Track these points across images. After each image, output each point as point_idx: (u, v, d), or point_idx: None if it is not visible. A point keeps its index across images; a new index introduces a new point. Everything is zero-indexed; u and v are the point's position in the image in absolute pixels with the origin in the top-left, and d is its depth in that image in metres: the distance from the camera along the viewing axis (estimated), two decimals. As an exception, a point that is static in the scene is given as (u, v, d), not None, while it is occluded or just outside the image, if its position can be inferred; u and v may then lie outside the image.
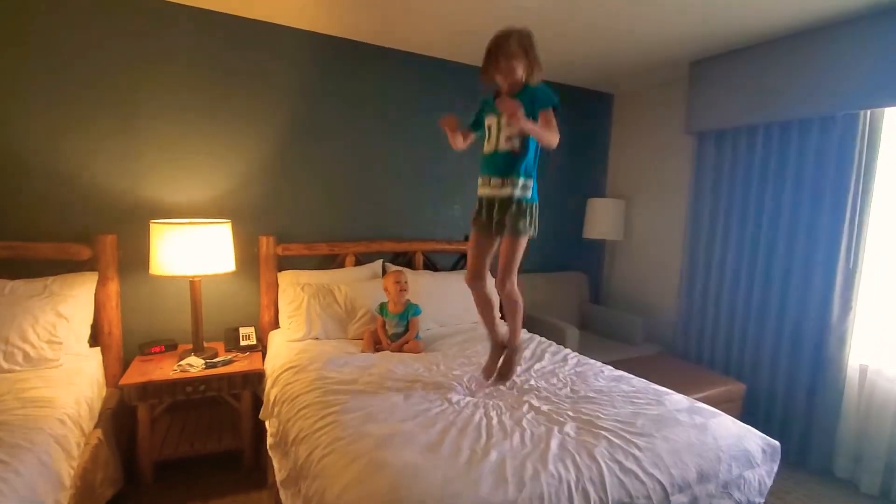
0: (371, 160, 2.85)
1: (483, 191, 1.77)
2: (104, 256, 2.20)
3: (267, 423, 1.95)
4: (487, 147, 1.75)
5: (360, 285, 2.58)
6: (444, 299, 2.72)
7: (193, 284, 2.24)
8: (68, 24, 2.13)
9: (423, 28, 2.51)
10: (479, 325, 2.55)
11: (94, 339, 2.19)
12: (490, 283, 1.87)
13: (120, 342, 2.27)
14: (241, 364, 2.23)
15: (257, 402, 2.16)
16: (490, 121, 1.73)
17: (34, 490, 1.29)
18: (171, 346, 2.34)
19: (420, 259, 2.98)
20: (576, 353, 2.29)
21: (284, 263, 2.63)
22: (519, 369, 1.98)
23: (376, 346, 2.30)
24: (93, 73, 2.19)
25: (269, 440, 1.84)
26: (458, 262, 3.17)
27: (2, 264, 2.05)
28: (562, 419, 1.59)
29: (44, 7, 2.08)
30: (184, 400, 2.11)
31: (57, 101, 2.14)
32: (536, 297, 3.33)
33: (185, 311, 2.35)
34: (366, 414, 1.57)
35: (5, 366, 1.77)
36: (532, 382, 1.92)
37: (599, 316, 3.45)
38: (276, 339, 2.40)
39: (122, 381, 2.00)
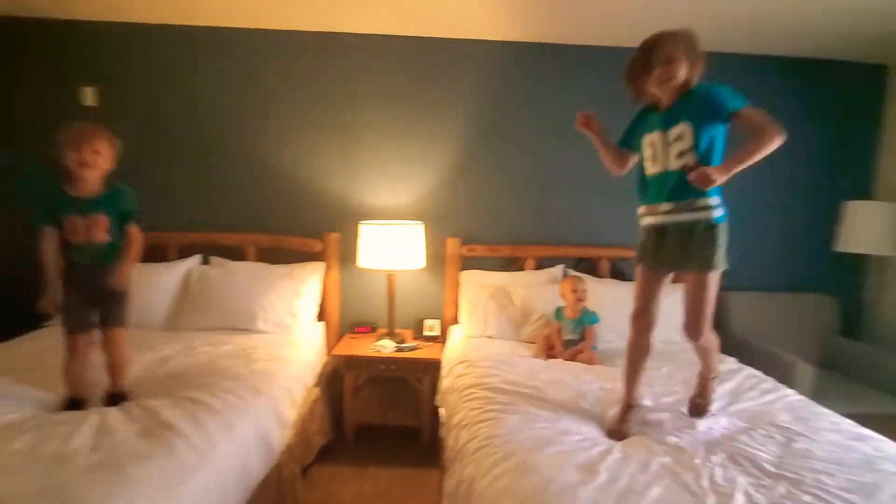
0: (556, 161, 2.79)
1: (651, 219, 1.54)
2: (329, 250, 2.70)
3: (440, 409, 2.10)
4: (653, 167, 1.51)
5: (537, 289, 2.55)
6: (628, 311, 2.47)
7: (390, 278, 2.57)
8: (299, 61, 2.70)
9: (612, 19, 2.34)
10: (672, 345, 2.24)
11: (319, 316, 2.71)
12: (654, 330, 1.60)
13: (337, 320, 2.76)
14: (424, 352, 2.45)
15: (435, 388, 2.35)
16: (651, 137, 1.49)
17: (266, 423, 1.67)
18: (373, 328, 2.74)
19: (605, 266, 2.78)
20: (802, 398, 1.80)
21: (468, 263, 2.79)
22: (713, 407, 1.66)
23: (549, 352, 2.24)
24: (329, 103, 2.71)
25: (441, 423, 1.98)
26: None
27: (266, 251, 2.72)
28: (754, 473, 1.27)
29: (298, 52, 2.69)
30: (378, 376, 2.44)
31: (299, 126, 2.73)
32: (758, 321, 2.74)
33: (384, 299, 2.71)
34: (526, 417, 1.56)
35: (261, 327, 2.35)
36: (724, 424, 1.58)
37: (852, 354, 2.63)
38: (454, 334, 2.57)
39: (334, 352, 2.43)
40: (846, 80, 2.79)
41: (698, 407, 1.62)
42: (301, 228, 2.76)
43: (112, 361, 1.63)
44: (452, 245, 2.74)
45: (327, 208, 2.78)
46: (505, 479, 1.22)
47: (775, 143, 1.33)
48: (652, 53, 1.41)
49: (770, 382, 1.93)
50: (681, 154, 1.42)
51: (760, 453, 1.38)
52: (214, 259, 2.66)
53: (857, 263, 2.87)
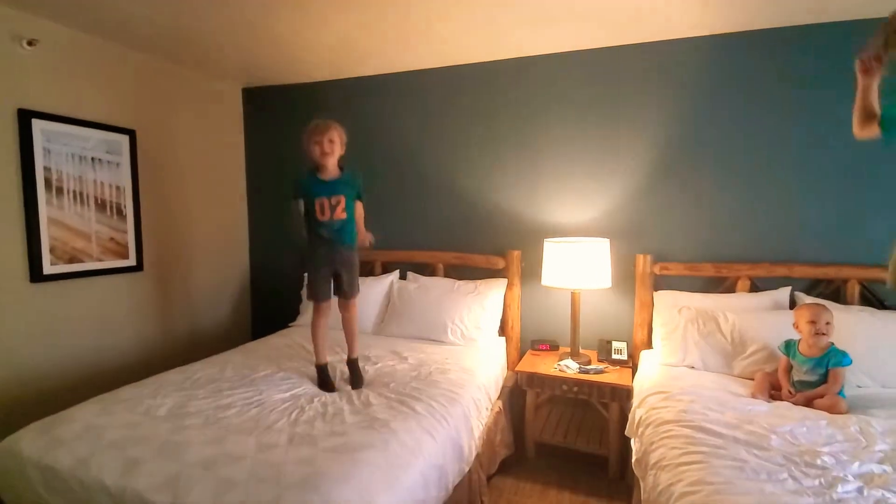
0: (779, 162, 2.36)
1: None
2: (511, 267, 2.77)
3: (632, 441, 1.95)
4: None
5: (755, 316, 2.17)
6: (890, 349, 1.92)
7: (574, 296, 2.50)
8: (487, 90, 2.83)
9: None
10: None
11: (501, 331, 2.79)
12: None
13: (518, 336, 2.80)
14: (611, 376, 2.31)
15: (623, 416, 2.19)
16: None
17: (458, 431, 1.78)
18: (553, 346, 2.70)
19: (855, 290, 2.22)
20: None
21: (661, 283, 2.55)
22: None
23: (772, 393, 1.88)
24: (508, 125, 2.81)
25: (634, 458, 1.83)
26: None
27: (453, 268, 2.93)
28: None
29: (488, 85, 2.86)
30: (560, 396, 2.38)
31: (487, 149, 2.88)
32: None
33: (567, 318, 2.65)
34: (742, 467, 1.33)
35: (450, 338, 2.53)
36: None
37: None
38: (647, 359, 2.35)
39: (517, 368, 2.47)
40: None
41: None
42: (486, 246, 2.90)
43: (347, 329, 2.06)
44: (642, 263, 2.53)
45: (511, 226, 2.86)
46: None
47: None
48: None
49: None
50: None
51: None
52: (410, 274, 2.98)
53: None
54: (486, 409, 2.19)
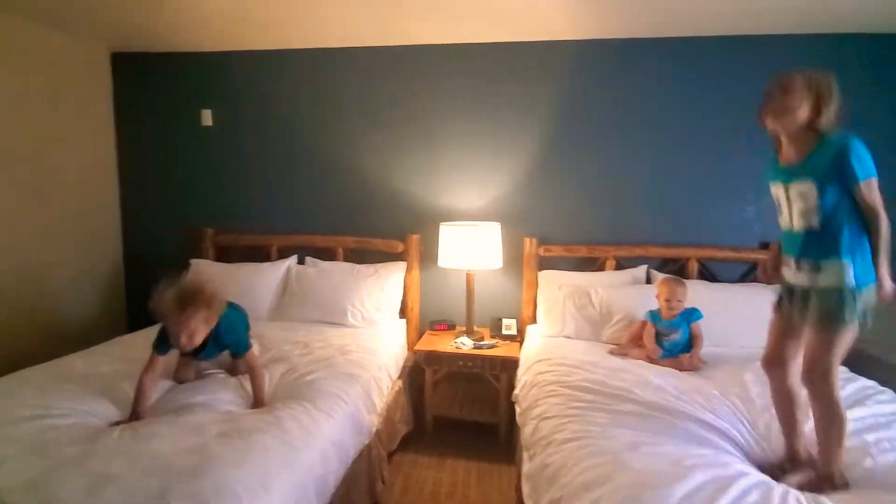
0: (636, 160, 2.72)
1: (785, 273, 1.46)
2: (410, 251, 2.86)
3: (516, 404, 2.15)
4: (781, 222, 1.45)
5: (619, 290, 2.51)
6: (721, 315, 2.35)
7: (468, 277, 2.66)
8: (384, 75, 2.87)
9: (693, 7, 2.25)
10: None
11: (402, 313, 2.87)
12: (795, 374, 1.47)
13: (418, 317, 2.91)
14: (502, 350, 2.52)
15: (512, 386, 2.39)
16: (776, 189, 1.43)
17: (358, 408, 1.83)
18: (451, 326, 2.85)
19: (694, 267, 2.66)
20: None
21: (546, 264, 2.81)
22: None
23: (636, 349, 2.20)
24: (408, 112, 2.88)
25: (517, 413, 2.02)
26: (746, 274, 2.67)
27: (354, 252, 2.94)
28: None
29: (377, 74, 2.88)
30: (456, 371, 2.54)
31: (385, 135, 2.92)
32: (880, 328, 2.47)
33: (463, 298, 2.81)
34: (613, 417, 1.56)
35: (350, 321, 2.56)
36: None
37: None
38: (532, 333, 2.60)
39: (417, 347, 2.58)
40: None
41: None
42: (386, 231, 2.94)
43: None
44: (529, 245, 2.77)
45: (409, 211, 2.94)
46: (597, 472, 1.24)
47: (887, 229, 1.30)
48: (780, 81, 1.35)
49: (888, 394, 1.75)
50: (803, 213, 1.35)
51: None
52: (308, 259, 2.93)
53: None
54: (387, 387, 2.26)
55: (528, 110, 2.78)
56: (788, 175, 1.38)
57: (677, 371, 2.01)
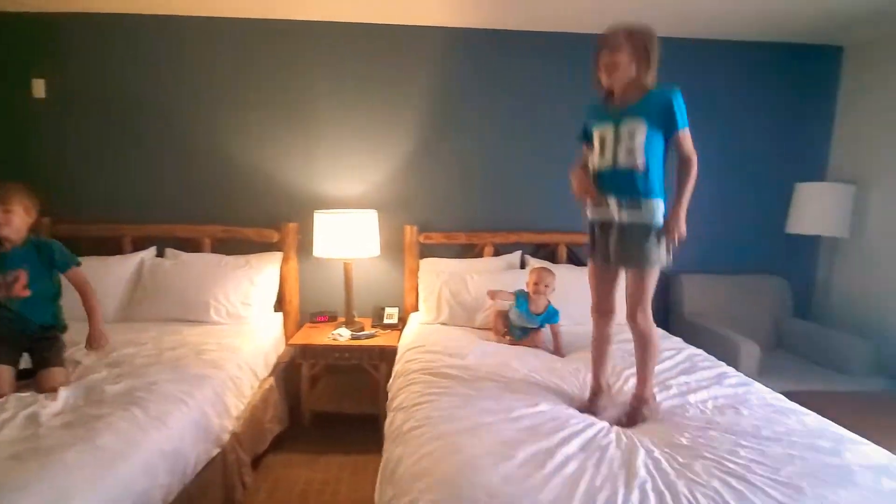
0: (512, 148, 2.80)
1: (596, 213, 1.58)
2: (287, 240, 2.70)
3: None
4: (601, 162, 1.53)
5: (493, 276, 2.58)
6: (583, 296, 2.50)
7: (346, 266, 2.57)
8: (254, 50, 2.67)
9: (568, 4, 2.34)
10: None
11: (279, 306, 2.71)
12: (614, 321, 1.67)
13: (297, 309, 2.77)
14: (381, 339, 2.47)
15: (391, 375, 2.37)
16: (602, 131, 1.52)
17: (205, 413, 1.68)
18: (332, 317, 2.75)
19: (563, 252, 2.81)
20: (743, 377, 1.84)
21: (429, 251, 2.80)
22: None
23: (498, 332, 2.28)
24: (286, 92, 2.69)
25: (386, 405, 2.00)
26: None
27: (222, 242, 2.71)
28: (673, 445, 1.32)
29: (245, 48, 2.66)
30: (334, 364, 2.45)
31: (255, 116, 2.71)
32: (710, 303, 2.79)
33: (343, 288, 2.72)
34: (464, 399, 1.58)
35: (214, 318, 2.35)
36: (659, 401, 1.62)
37: (804, 334, 2.70)
38: (412, 321, 2.59)
39: (291, 341, 2.45)
40: (801, 63, 2.83)
41: (623, 424, 1.50)
42: (259, 219, 2.75)
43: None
44: (410, 233, 2.75)
45: (285, 198, 2.77)
46: (428, 460, 1.25)
47: (695, 174, 1.47)
48: (605, 39, 1.47)
49: (711, 361, 1.97)
50: (629, 152, 1.45)
51: (684, 430, 1.42)
52: (169, 251, 2.65)
53: (809, 245, 2.93)
54: (252, 387, 2.12)
55: (407, 95, 2.73)
56: (620, 115, 1.47)
57: (539, 351, 2.11)
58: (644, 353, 1.56)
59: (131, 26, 2.61)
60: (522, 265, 2.75)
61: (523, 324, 2.25)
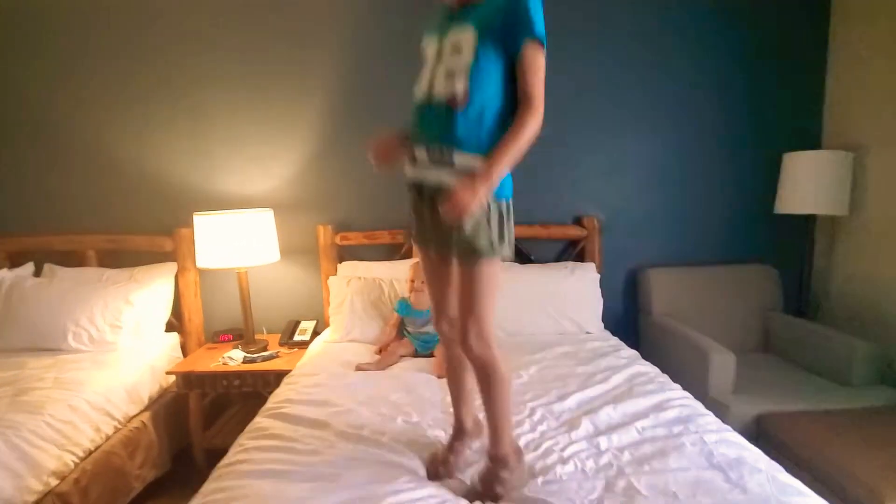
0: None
1: (413, 171, 1.08)
2: (182, 248, 2.32)
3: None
4: (417, 93, 1.08)
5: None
6: (516, 299, 2.07)
7: (240, 276, 2.19)
8: (133, 37, 2.29)
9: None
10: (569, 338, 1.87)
11: (180, 325, 2.35)
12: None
13: (200, 328, 2.40)
14: (281, 361, 2.09)
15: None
16: (428, 45, 1.08)
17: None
18: (238, 335, 2.36)
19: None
20: (690, 405, 1.40)
21: (349, 254, 2.41)
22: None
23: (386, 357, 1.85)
24: (162, 77, 2.31)
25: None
26: (563, 253, 2.46)
27: (106, 254, 2.35)
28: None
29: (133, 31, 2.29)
30: (225, 393, 2.08)
31: (142, 108, 2.34)
32: (686, 300, 2.35)
33: (259, 300, 2.35)
34: (275, 467, 1.15)
35: (73, 345, 1.99)
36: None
37: (796, 335, 2.23)
38: (320, 339, 2.19)
39: (172, 370, 2.07)
40: (788, 18, 2.35)
41: (481, 495, 1.04)
42: (149, 226, 2.38)
43: None
44: (324, 234, 2.36)
45: (179, 200, 2.39)
46: None
47: (535, 127, 0.98)
48: None
49: (657, 383, 1.54)
50: (449, 76, 0.99)
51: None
52: (47, 267, 2.30)
53: (801, 227, 2.45)
54: (102, 429, 1.73)
55: (313, 78, 2.34)
56: (448, 22, 1.03)
57: (433, 375, 1.70)
58: (489, 391, 1.07)
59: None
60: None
61: (418, 329, 1.88)
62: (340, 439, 1.24)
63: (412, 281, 1.87)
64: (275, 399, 1.52)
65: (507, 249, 1.04)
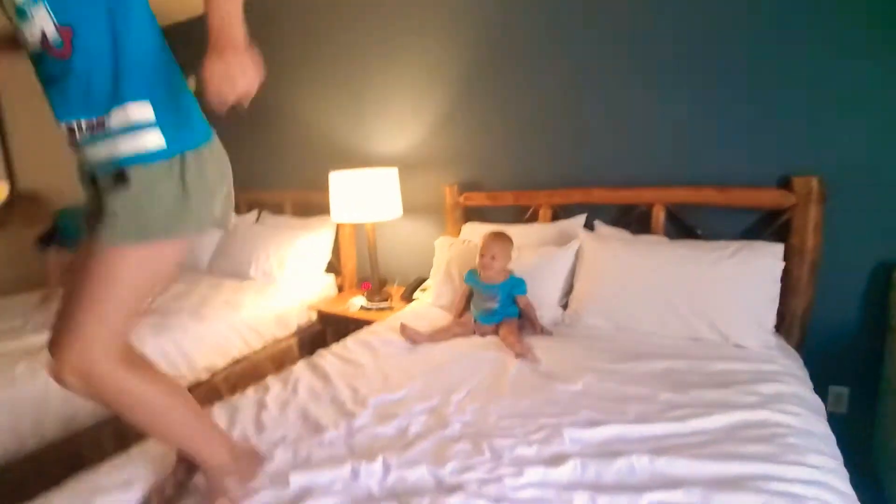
0: (584, 79, 1.95)
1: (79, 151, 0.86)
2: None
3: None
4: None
5: (528, 249, 1.88)
6: (642, 286, 1.57)
7: (368, 230, 2.33)
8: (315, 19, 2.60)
9: None
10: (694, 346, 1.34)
11: (338, 269, 2.71)
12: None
13: (353, 273, 2.70)
14: (383, 314, 2.16)
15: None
16: None
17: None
18: (379, 285, 2.55)
19: (660, 216, 1.81)
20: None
21: (476, 215, 2.28)
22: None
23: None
24: (332, 56, 2.60)
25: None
26: (754, 228, 1.72)
27: (298, 206, 2.87)
28: None
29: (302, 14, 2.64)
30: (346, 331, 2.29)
31: (320, 89, 2.70)
32: None
33: (393, 255, 2.54)
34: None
35: (252, 275, 2.52)
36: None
37: None
38: (421, 299, 2.17)
39: (310, 305, 2.42)
40: None
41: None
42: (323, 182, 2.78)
43: None
44: (450, 194, 2.28)
45: (333, 157, 2.68)
46: None
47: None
48: None
49: (773, 447, 0.91)
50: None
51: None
52: (264, 214, 2.97)
53: None
54: (248, 344, 2.16)
55: (453, 46, 2.22)
56: None
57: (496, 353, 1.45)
58: (143, 419, 0.85)
59: None
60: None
61: (484, 304, 1.64)
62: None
63: (482, 256, 1.66)
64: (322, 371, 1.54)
65: (197, 226, 0.82)
